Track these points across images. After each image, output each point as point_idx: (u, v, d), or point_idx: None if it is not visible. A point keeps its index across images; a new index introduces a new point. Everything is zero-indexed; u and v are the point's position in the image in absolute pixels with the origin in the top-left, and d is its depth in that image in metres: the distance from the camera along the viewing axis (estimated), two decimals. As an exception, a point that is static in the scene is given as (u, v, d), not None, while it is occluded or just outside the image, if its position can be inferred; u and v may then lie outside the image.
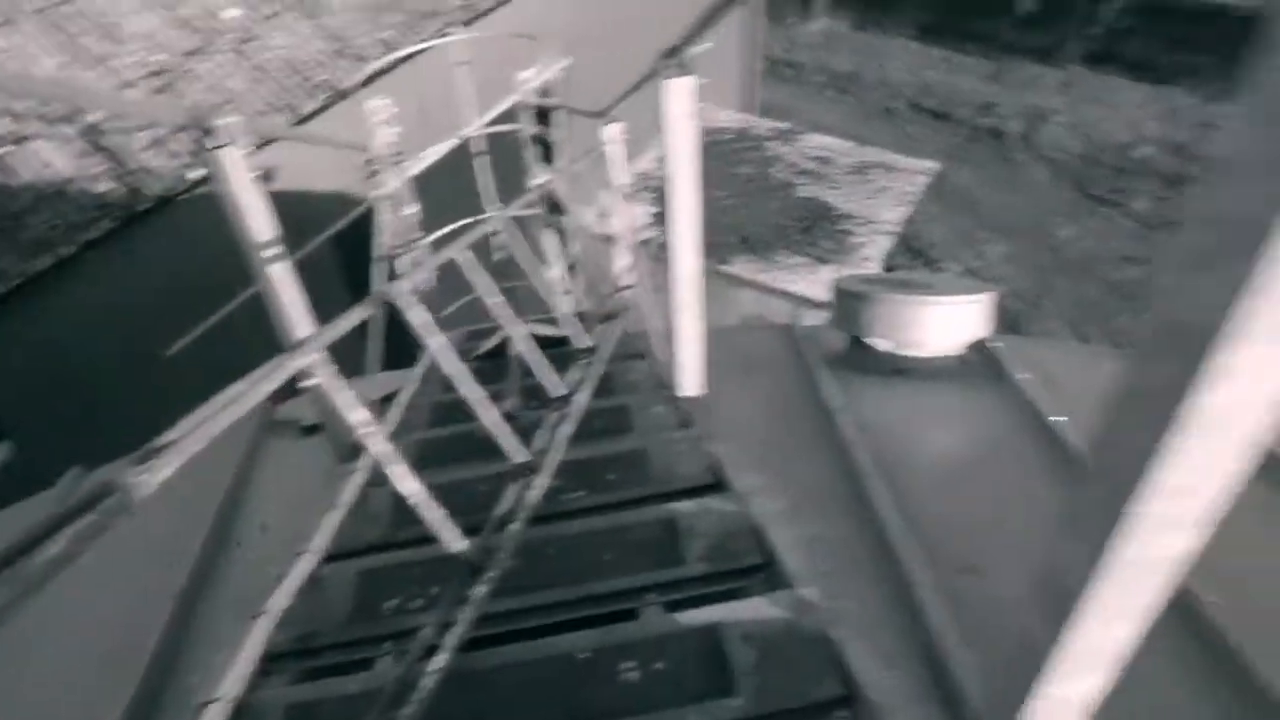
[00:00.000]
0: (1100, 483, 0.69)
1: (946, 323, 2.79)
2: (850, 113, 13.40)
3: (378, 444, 1.65)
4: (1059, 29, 14.84)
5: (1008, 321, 9.39)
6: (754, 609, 1.53)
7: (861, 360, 2.77)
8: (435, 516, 1.66)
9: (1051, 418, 2.05)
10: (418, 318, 1.80)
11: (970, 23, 15.55)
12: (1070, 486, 0.76)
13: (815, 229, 7.81)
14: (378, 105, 3.88)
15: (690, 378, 2.39)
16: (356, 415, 1.61)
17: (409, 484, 1.65)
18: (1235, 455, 0.60)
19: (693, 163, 2.07)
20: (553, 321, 3.30)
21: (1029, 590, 0.82)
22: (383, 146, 3.84)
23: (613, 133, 3.06)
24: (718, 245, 7.44)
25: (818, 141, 9.45)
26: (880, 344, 2.79)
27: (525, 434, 2.16)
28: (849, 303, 2.90)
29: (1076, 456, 1.89)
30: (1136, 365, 0.63)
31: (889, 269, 8.12)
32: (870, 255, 7.41)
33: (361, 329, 3.49)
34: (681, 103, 1.98)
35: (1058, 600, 0.75)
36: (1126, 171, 11.83)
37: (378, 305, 1.79)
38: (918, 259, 10.23)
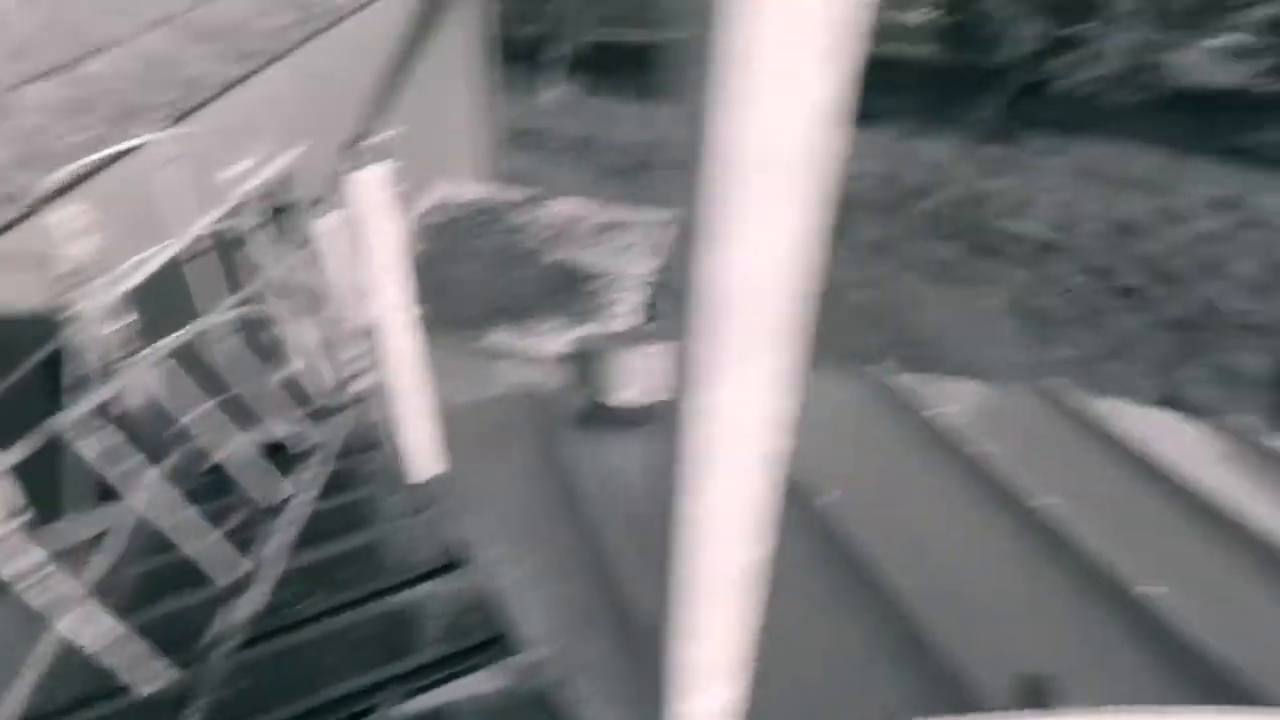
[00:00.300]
0: (659, 509, 0.76)
1: (677, 368, 2.97)
2: (590, 174, 13.97)
3: (66, 591, 1.51)
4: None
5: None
6: (485, 682, 1.54)
7: (602, 415, 2.87)
8: (134, 658, 1.54)
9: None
10: (92, 449, 1.66)
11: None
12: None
13: (567, 291, 8.02)
14: (69, 214, 3.57)
15: (424, 460, 2.37)
16: (27, 564, 1.46)
17: (104, 630, 1.52)
18: (745, 469, 0.70)
19: (396, 251, 2.06)
20: (286, 421, 3.16)
21: (650, 618, 0.90)
22: (79, 259, 3.53)
23: (327, 224, 3.02)
24: (471, 319, 7.44)
25: (562, 205, 9.74)
26: (619, 397, 2.91)
27: (249, 547, 2.05)
28: (585, 362, 3.01)
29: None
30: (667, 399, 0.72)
31: (651, 320, 8.45)
32: (623, 311, 7.70)
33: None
34: (371, 194, 1.97)
35: (660, 624, 0.82)
36: (850, 205, 13.14)
37: (48, 439, 1.63)
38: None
